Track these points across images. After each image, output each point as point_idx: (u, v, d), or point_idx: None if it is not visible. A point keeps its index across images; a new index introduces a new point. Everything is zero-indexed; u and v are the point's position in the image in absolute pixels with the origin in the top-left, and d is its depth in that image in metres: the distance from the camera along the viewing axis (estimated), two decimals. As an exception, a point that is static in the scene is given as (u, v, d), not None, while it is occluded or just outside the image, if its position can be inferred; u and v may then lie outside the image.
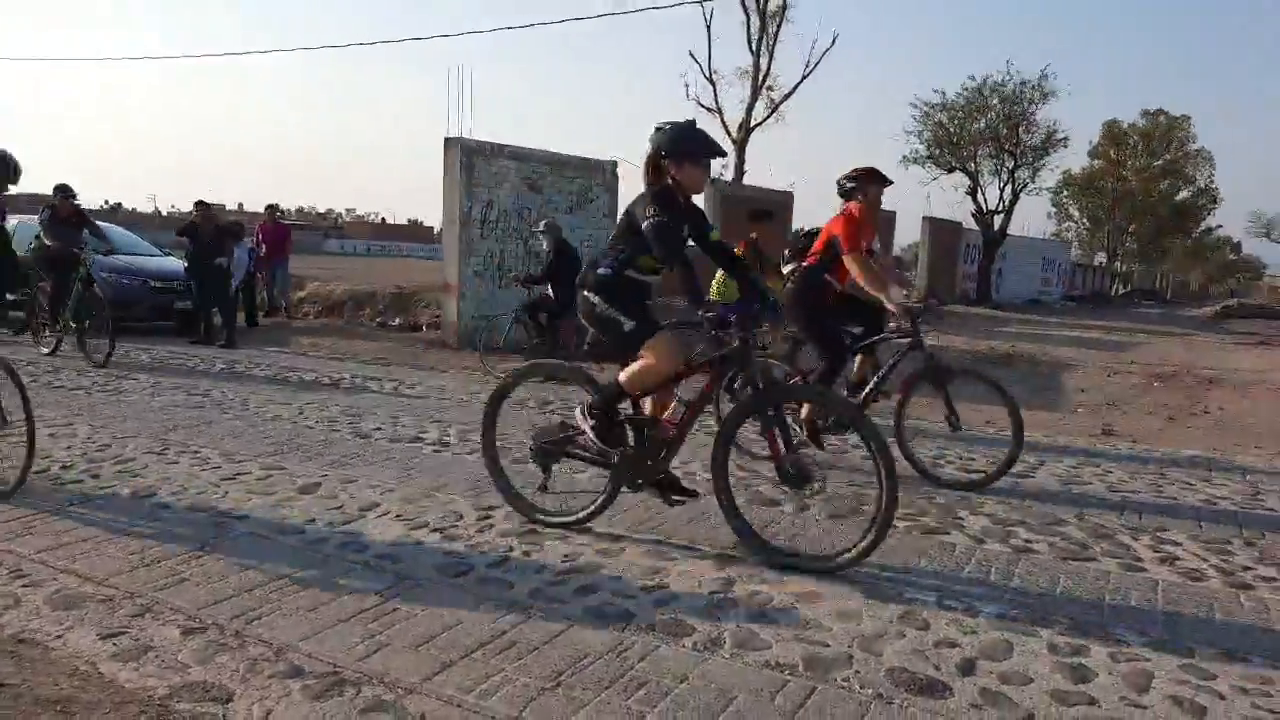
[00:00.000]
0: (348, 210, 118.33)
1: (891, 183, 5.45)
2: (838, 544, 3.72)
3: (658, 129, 3.74)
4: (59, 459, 4.84)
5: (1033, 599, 3.29)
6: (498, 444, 4.22)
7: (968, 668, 2.72)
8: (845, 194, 5.38)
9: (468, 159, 11.41)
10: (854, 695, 2.53)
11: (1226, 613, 3.21)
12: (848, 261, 5.12)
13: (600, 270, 3.80)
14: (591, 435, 3.78)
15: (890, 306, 5.08)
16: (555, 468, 4.01)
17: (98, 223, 10.30)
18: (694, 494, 3.96)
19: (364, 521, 3.99)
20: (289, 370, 8.97)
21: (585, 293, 3.85)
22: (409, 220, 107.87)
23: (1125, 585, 3.45)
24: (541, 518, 3.97)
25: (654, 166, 3.76)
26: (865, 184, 5.31)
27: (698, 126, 3.83)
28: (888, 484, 3.28)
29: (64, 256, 9.07)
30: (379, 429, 6.04)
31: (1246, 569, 3.68)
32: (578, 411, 3.88)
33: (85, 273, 8.99)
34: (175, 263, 12.11)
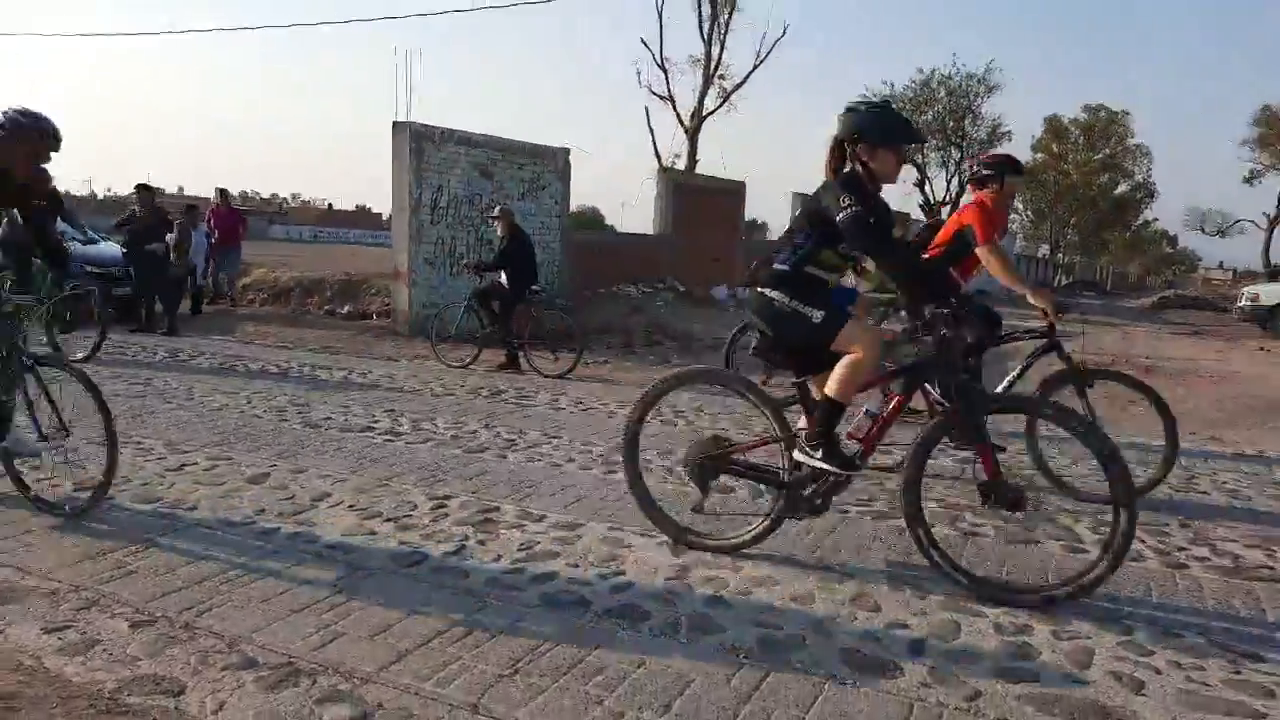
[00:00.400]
0: (293, 195, 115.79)
1: (1025, 173, 5.11)
2: (1045, 574, 3.46)
3: (850, 109, 3.33)
4: (-6, 450, 4.68)
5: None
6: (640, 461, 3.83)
7: (917, 648, 2.79)
8: (979, 181, 5.02)
9: (417, 144, 11.26)
10: (807, 677, 2.58)
11: (1163, 591, 3.34)
12: (983, 254, 4.74)
13: (777, 265, 3.40)
14: (830, 467, 3.33)
15: (1037, 302, 4.74)
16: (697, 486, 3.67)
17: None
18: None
19: (315, 512, 3.93)
20: (235, 359, 8.78)
21: (761, 290, 3.41)
22: (356, 206, 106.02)
23: (1067, 567, 3.56)
24: (694, 540, 3.61)
25: (840, 151, 3.35)
26: (1003, 172, 5.00)
27: (892, 108, 3.51)
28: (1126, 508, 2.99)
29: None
30: (329, 418, 5.95)
31: (1181, 549, 3.83)
32: (795, 452, 3.44)
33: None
34: (113, 248, 11.75)
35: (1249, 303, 18.23)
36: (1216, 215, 37.67)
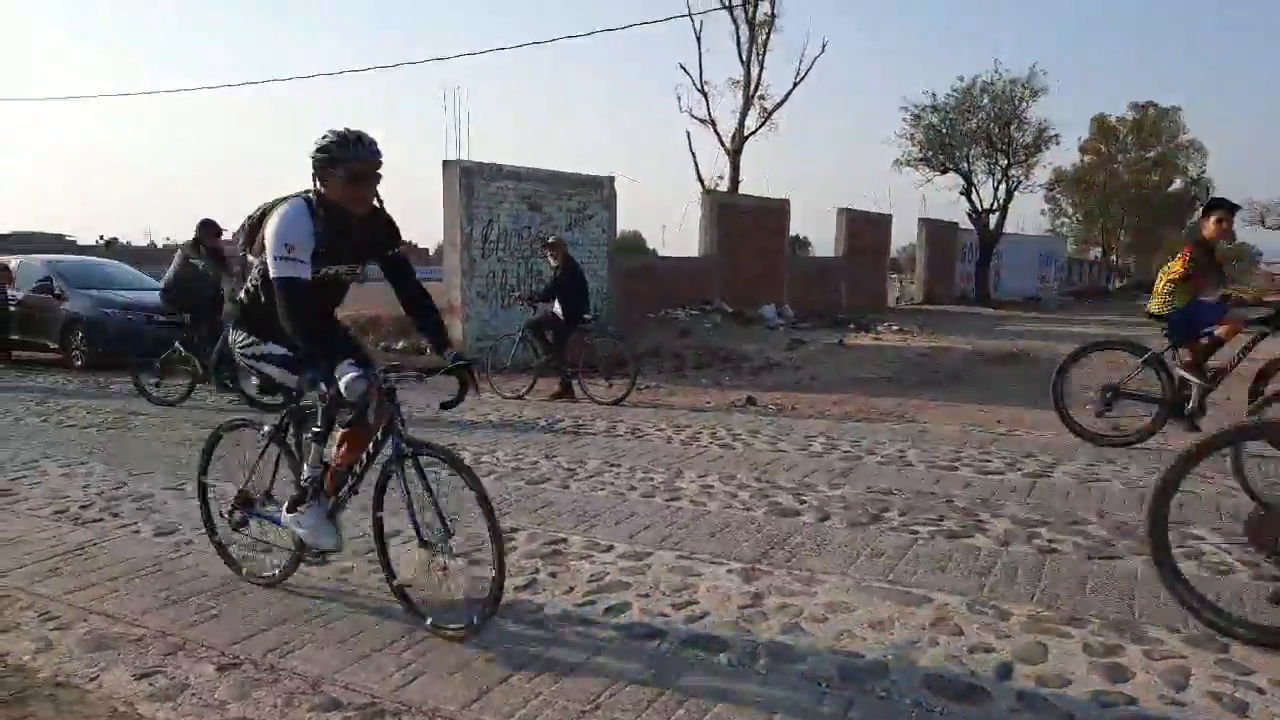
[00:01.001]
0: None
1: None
2: None
3: None
4: (76, 498, 4.85)
5: (1063, 599, 3.29)
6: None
7: (1004, 671, 2.72)
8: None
9: (467, 180, 11.48)
10: (893, 704, 2.53)
11: (1256, 608, 3.21)
12: None
13: None
14: None
15: None
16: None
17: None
18: None
19: (388, 550, 3.97)
20: (192, 396, 8.95)
21: None
22: (406, 244, 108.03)
23: (1153, 581, 3.44)
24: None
25: None
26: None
27: None
28: None
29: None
30: (393, 454, 6.03)
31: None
32: None
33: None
34: None
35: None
36: (1277, 208, 36.39)
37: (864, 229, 24.29)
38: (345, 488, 3.32)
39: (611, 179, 13.97)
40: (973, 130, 28.56)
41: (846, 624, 3.09)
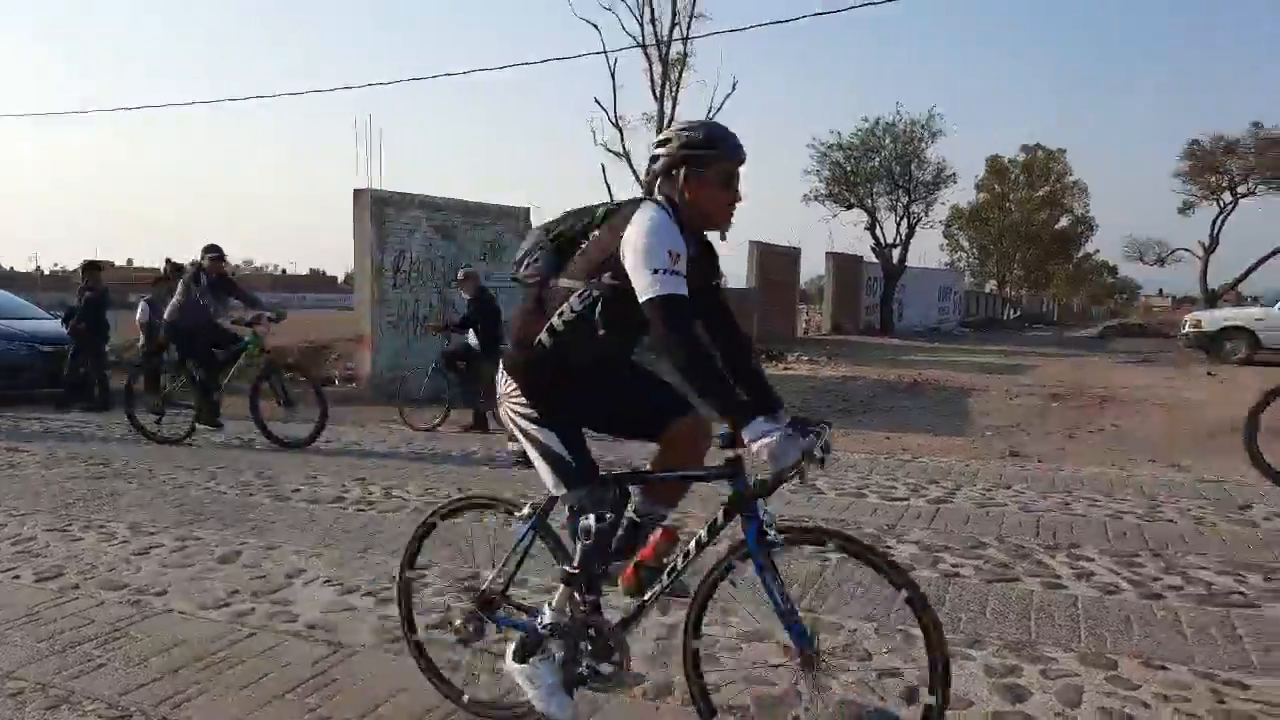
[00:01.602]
0: (245, 261, 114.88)
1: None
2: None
3: None
4: (-51, 543, 4.52)
5: (965, 623, 3.40)
6: None
7: (911, 696, 2.79)
8: None
9: (378, 209, 11.30)
10: (805, 733, 2.56)
11: (1143, 623, 3.38)
12: None
13: None
14: None
15: None
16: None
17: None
18: None
19: (291, 589, 3.84)
20: (195, 434, 8.59)
21: None
22: (311, 270, 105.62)
23: (1048, 603, 3.60)
24: None
25: None
26: None
27: None
28: None
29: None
30: (297, 490, 5.85)
31: (1155, 579, 3.89)
32: None
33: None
34: (57, 325, 11.52)
35: (1192, 329, 18.81)
36: (1155, 245, 38.94)
37: (775, 261, 24.87)
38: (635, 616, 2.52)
39: (527, 210, 13.97)
40: (876, 168, 29.71)
41: (759, 654, 3.13)
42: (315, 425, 7.56)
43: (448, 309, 11.84)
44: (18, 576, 4.01)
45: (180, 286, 7.88)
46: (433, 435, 8.53)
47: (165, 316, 8.08)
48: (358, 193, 11.38)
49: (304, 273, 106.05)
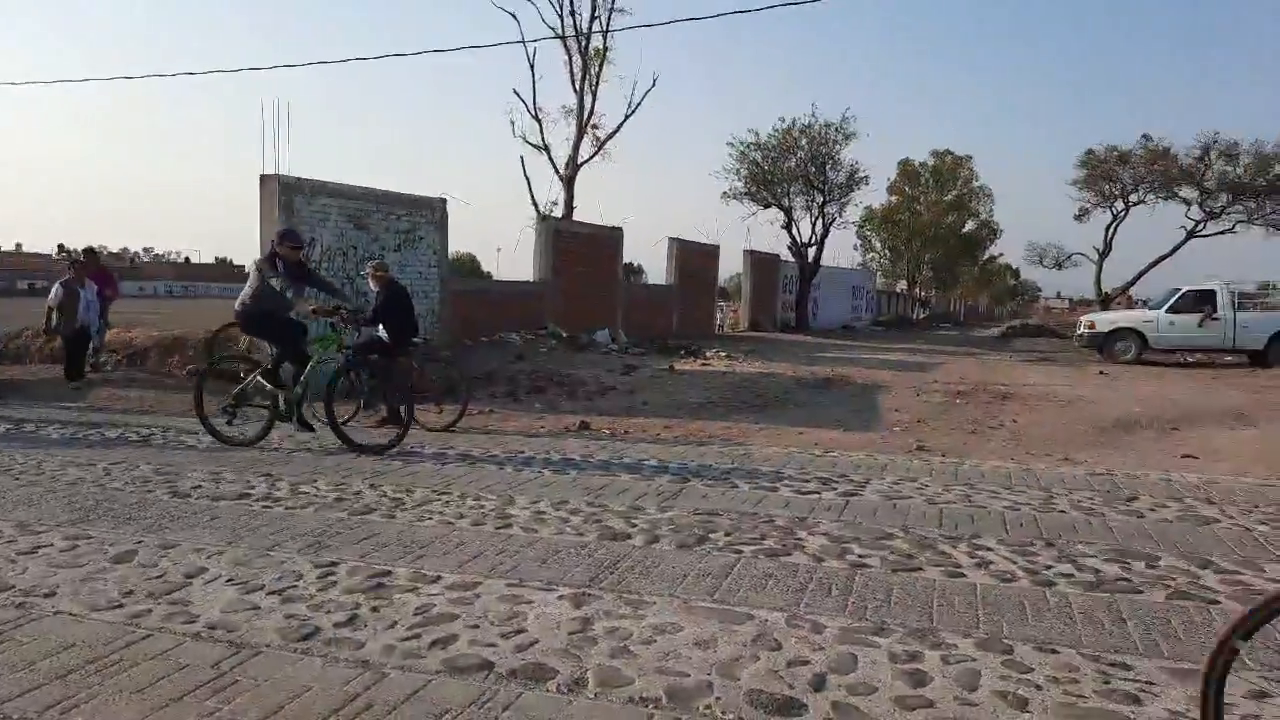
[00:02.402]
0: (145, 249, 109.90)
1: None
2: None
3: None
4: None
5: (870, 611, 3.51)
6: None
7: (819, 683, 2.87)
8: None
9: (286, 196, 10.93)
10: (717, 722, 2.61)
11: (1036, 610, 3.55)
12: None
13: None
14: None
15: None
16: None
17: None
18: None
19: (190, 589, 3.70)
20: (89, 427, 8.18)
21: None
22: (217, 259, 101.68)
23: (949, 591, 3.75)
24: None
25: None
26: None
27: None
28: None
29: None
30: (198, 487, 5.63)
31: (1048, 567, 4.09)
32: None
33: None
34: None
35: (1086, 330, 19.77)
36: (1053, 249, 40.73)
37: (694, 258, 25.07)
38: None
39: (444, 200, 13.71)
40: (792, 169, 30.22)
41: (673, 644, 3.16)
42: (401, 429, 7.24)
43: (361, 299, 11.55)
44: (-113, 579, 3.75)
45: (254, 273, 7.31)
46: (345, 429, 8.30)
47: (237, 305, 7.36)
48: (264, 178, 10.98)
49: (209, 261, 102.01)
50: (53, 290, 11.30)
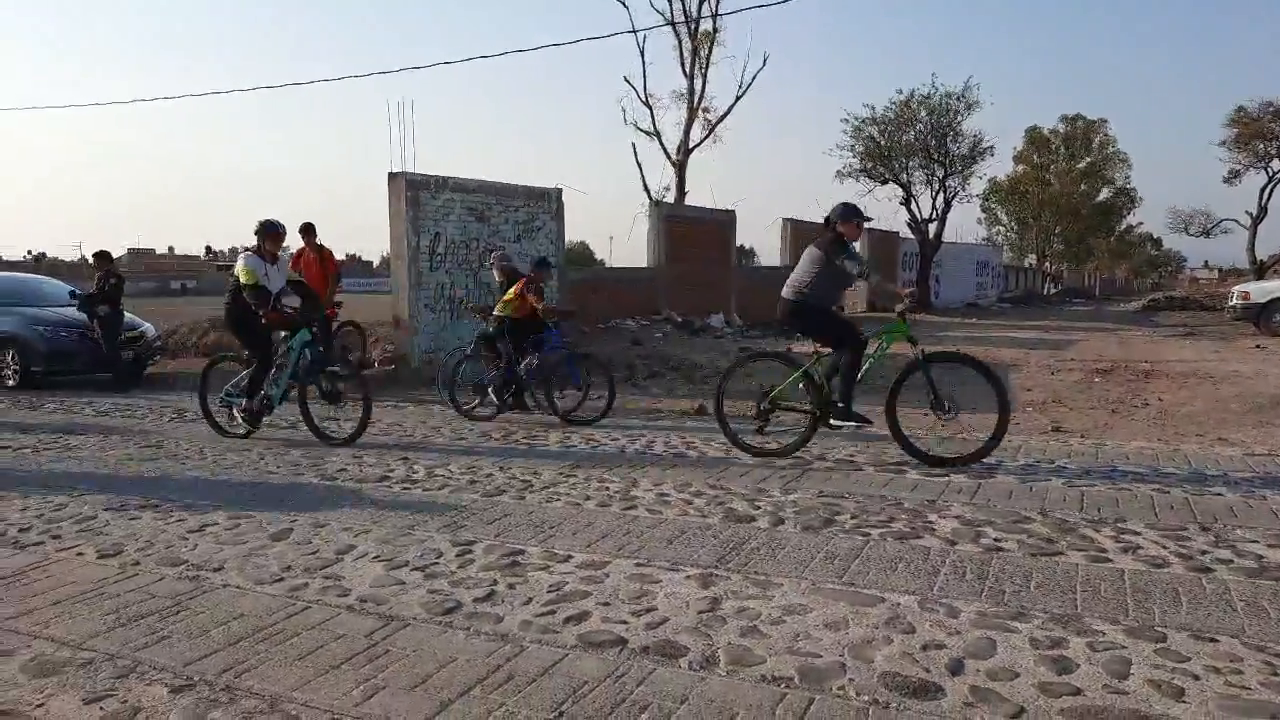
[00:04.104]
0: (283, 249, 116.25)
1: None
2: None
3: None
4: (15, 521, 4.69)
5: (1009, 596, 3.40)
6: None
7: (956, 667, 2.81)
8: None
9: (413, 193, 11.38)
10: (851, 703, 2.59)
11: (1192, 597, 3.35)
12: None
13: None
14: None
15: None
16: None
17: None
18: None
19: (342, 565, 3.94)
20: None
21: None
22: (347, 255, 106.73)
23: (1094, 576, 3.58)
24: None
25: None
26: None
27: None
28: None
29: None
30: (344, 470, 5.96)
31: (1204, 553, 3.85)
32: None
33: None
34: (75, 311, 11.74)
35: (1239, 301, 18.37)
36: (1200, 216, 37.97)
37: (808, 239, 24.57)
38: None
39: (559, 190, 13.98)
40: (910, 142, 29.23)
41: (803, 626, 3.15)
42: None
43: (483, 291, 11.93)
44: (81, 554, 4.15)
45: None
46: (472, 416, 8.62)
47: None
48: (393, 176, 11.47)
49: (340, 258, 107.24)
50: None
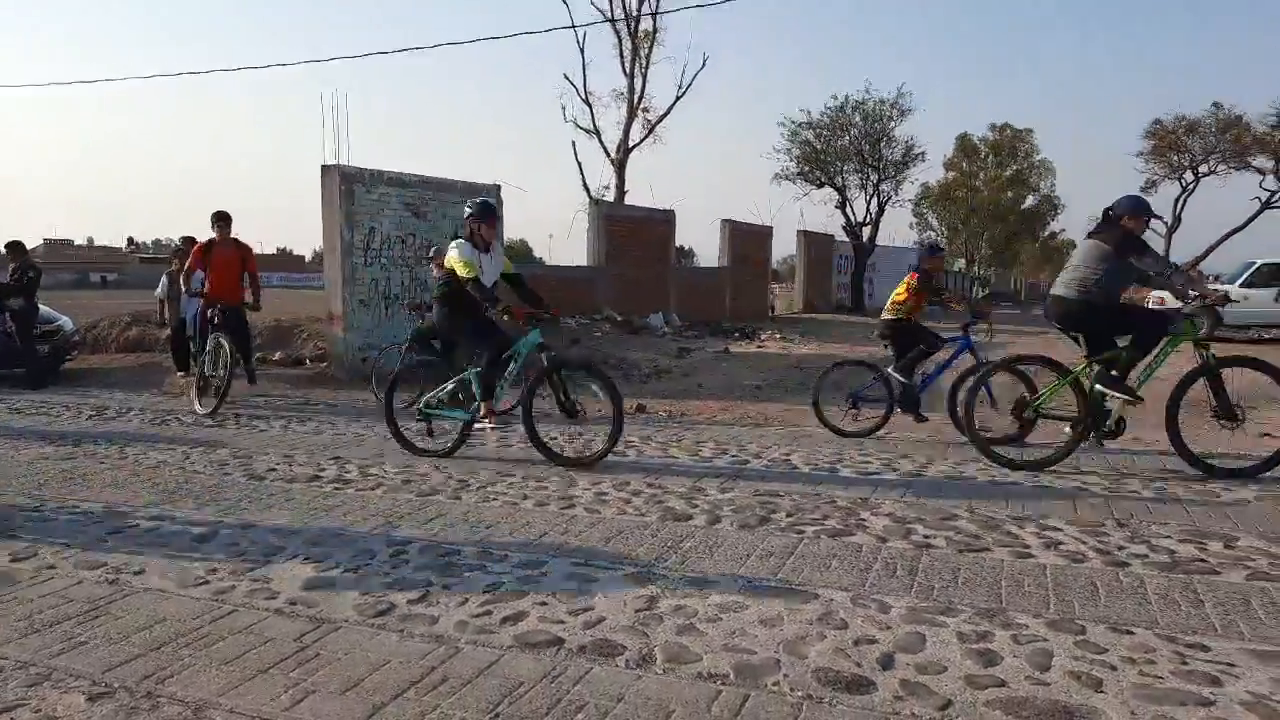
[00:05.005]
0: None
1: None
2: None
3: None
4: (-83, 524, 4.46)
5: (938, 591, 3.48)
6: None
7: (887, 662, 2.87)
8: None
9: (347, 186, 11.15)
10: (785, 698, 2.63)
11: (1109, 590, 3.49)
12: None
13: None
14: None
15: None
16: None
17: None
18: None
19: (270, 566, 3.84)
20: (166, 414, 8.50)
21: None
22: (278, 249, 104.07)
23: (1017, 572, 3.70)
24: None
25: None
26: None
27: None
28: None
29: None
30: (273, 469, 5.82)
31: (1120, 548, 4.01)
32: None
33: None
34: None
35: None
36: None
37: (746, 240, 24.93)
38: None
39: (498, 187, 13.85)
40: (846, 147, 29.83)
41: (739, 623, 3.18)
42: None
43: (419, 287, 11.76)
44: (-10, 557, 3.97)
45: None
46: (408, 413, 8.48)
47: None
48: (326, 169, 11.22)
49: (271, 252, 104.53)
50: (160, 283, 11.38)
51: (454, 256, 6.03)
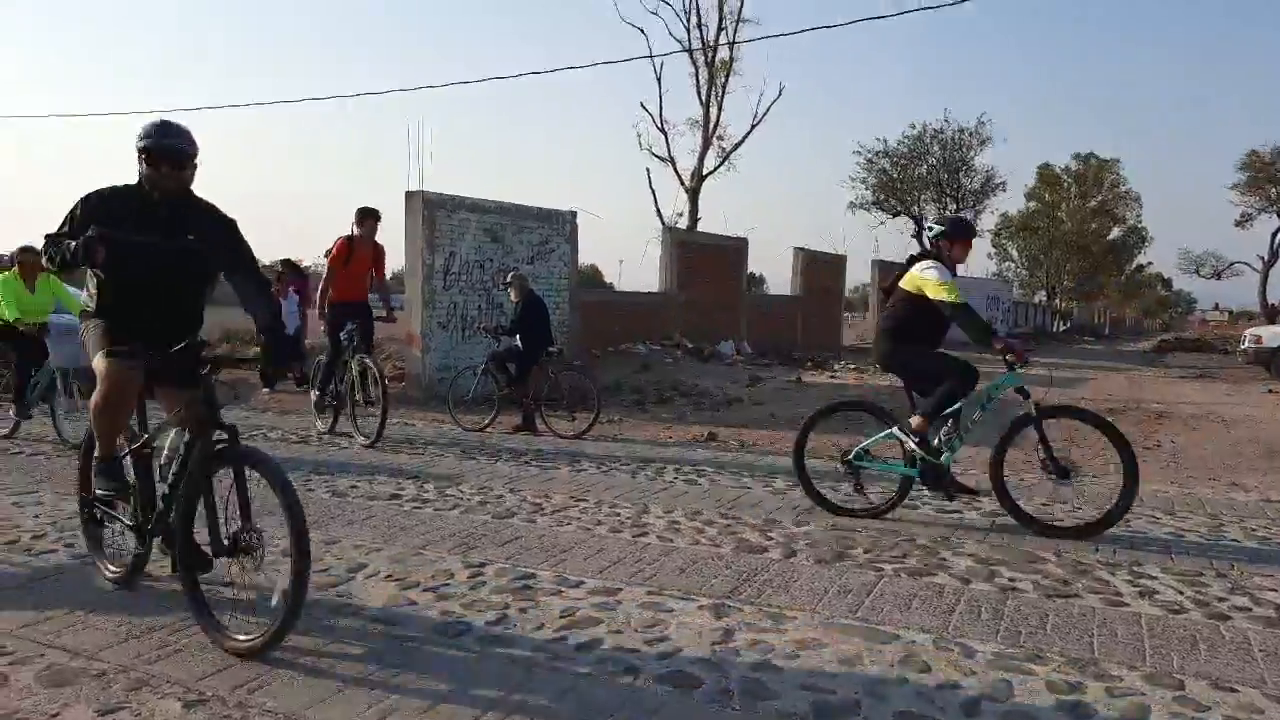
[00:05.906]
0: (296, 259, 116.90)
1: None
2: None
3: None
4: (29, 528, 4.70)
5: (1025, 637, 3.37)
6: None
7: (972, 708, 2.78)
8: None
9: (429, 212, 11.47)
10: (867, 741, 2.57)
11: (1210, 644, 3.32)
12: None
13: None
14: None
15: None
16: None
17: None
18: None
19: (354, 583, 3.93)
20: (252, 429, 8.80)
21: None
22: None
23: (1110, 620, 3.56)
24: None
25: None
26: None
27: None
28: None
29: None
30: (354, 486, 5.97)
31: (1221, 600, 3.82)
32: None
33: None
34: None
35: (1252, 344, 18.32)
36: (1211, 258, 38.02)
37: (819, 268, 24.72)
38: None
39: (574, 213, 14.07)
40: (923, 175, 29.46)
41: (817, 661, 3.13)
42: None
43: (496, 310, 11.98)
44: (94, 564, 4.15)
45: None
46: (482, 435, 8.63)
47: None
48: (409, 195, 11.57)
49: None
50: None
51: (934, 281, 5.28)
